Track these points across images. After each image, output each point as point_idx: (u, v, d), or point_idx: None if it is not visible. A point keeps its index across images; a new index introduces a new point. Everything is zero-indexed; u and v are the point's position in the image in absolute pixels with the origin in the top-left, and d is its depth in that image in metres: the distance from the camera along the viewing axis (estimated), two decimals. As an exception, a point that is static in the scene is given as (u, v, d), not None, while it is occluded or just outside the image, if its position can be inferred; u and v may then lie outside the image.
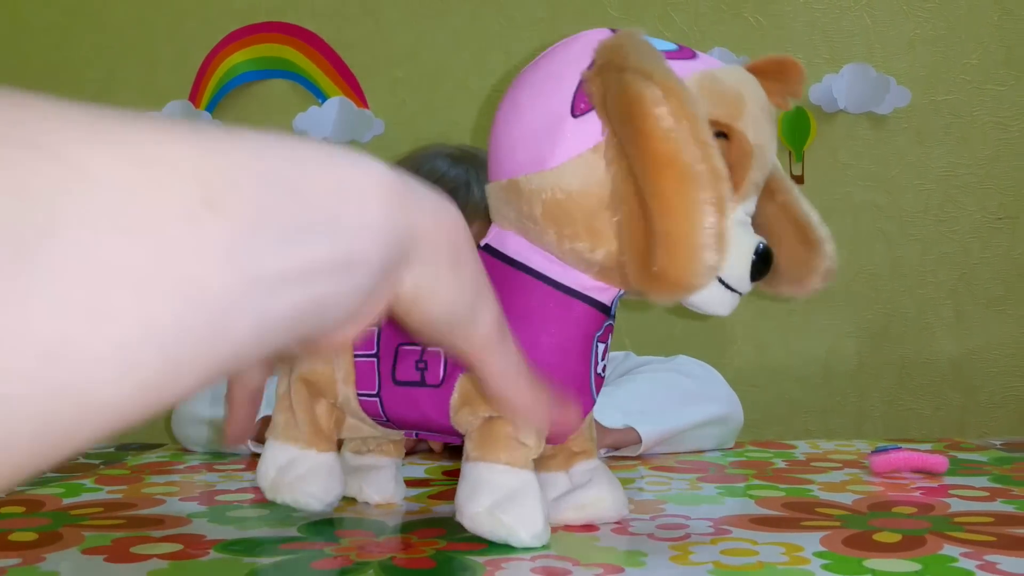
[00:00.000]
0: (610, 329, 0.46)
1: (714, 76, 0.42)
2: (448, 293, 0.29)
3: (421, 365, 0.45)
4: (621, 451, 0.70)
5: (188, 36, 1.79)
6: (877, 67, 1.62)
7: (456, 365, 0.44)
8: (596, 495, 0.47)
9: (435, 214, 0.28)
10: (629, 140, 0.38)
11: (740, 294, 0.44)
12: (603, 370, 0.47)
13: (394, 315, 0.29)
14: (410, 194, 0.27)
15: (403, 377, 0.45)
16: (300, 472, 0.48)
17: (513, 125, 0.44)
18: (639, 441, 0.69)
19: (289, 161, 0.23)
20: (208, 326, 0.20)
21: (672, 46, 0.44)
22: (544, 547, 0.43)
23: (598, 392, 0.47)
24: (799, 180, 1.66)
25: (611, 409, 0.68)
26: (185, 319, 0.20)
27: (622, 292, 0.45)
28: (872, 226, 1.64)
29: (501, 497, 0.43)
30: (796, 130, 1.64)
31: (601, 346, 0.46)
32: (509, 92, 0.46)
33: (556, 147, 0.41)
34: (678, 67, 0.40)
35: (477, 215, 0.48)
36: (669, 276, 0.38)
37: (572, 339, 0.44)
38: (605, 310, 0.45)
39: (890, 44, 1.64)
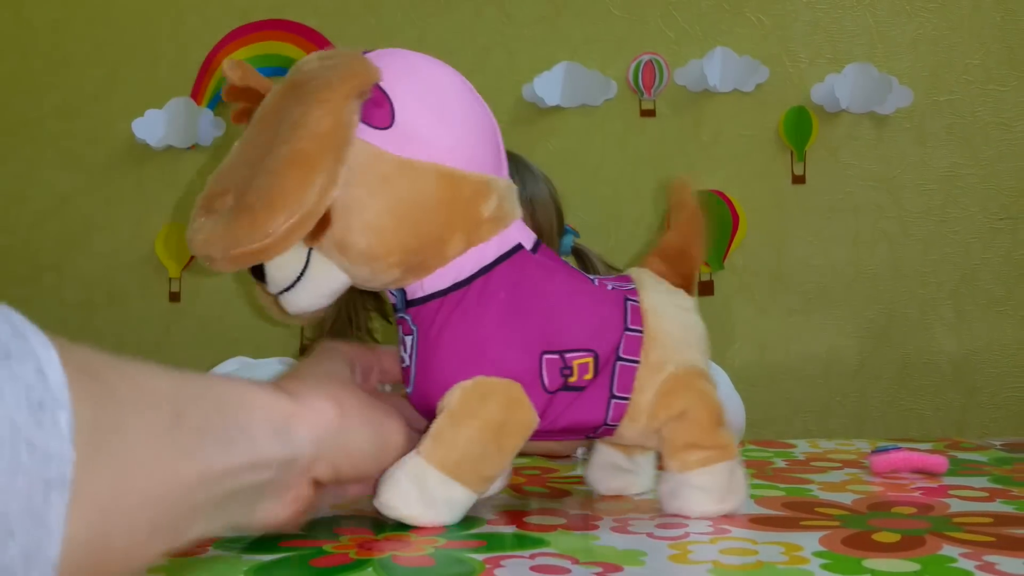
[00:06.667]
0: (401, 322, 0.49)
1: None
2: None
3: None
4: (586, 453, 0.71)
5: (190, 33, 1.79)
6: (879, 67, 1.62)
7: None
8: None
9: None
10: None
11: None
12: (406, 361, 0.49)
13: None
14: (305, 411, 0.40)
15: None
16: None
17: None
18: None
19: (225, 388, 0.36)
20: (177, 502, 0.30)
21: None
22: (547, 544, 0.43)
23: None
24: (801, 180, 1.66)
25: None
26: (164, 497, 0.30)
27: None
28: (873, 226, 1.63)
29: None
30: (798, 130, 1.64)
31: (408, 339, 0.48)
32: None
33: None
34: None
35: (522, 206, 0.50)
36: None
37: None
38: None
39: (892, 44, 1.64)
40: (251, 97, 0.46)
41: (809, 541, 0.43)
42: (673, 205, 0.53)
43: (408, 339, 0.48)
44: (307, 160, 0.41)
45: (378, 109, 0.44)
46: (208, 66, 1.78)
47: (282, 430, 0.37)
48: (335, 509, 0.51)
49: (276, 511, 0.39)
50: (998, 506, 0.51)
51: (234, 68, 0.45)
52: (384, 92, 0.44)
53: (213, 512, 0.33)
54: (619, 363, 0.48)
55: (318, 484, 0.41)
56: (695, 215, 0.53)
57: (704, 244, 0.52)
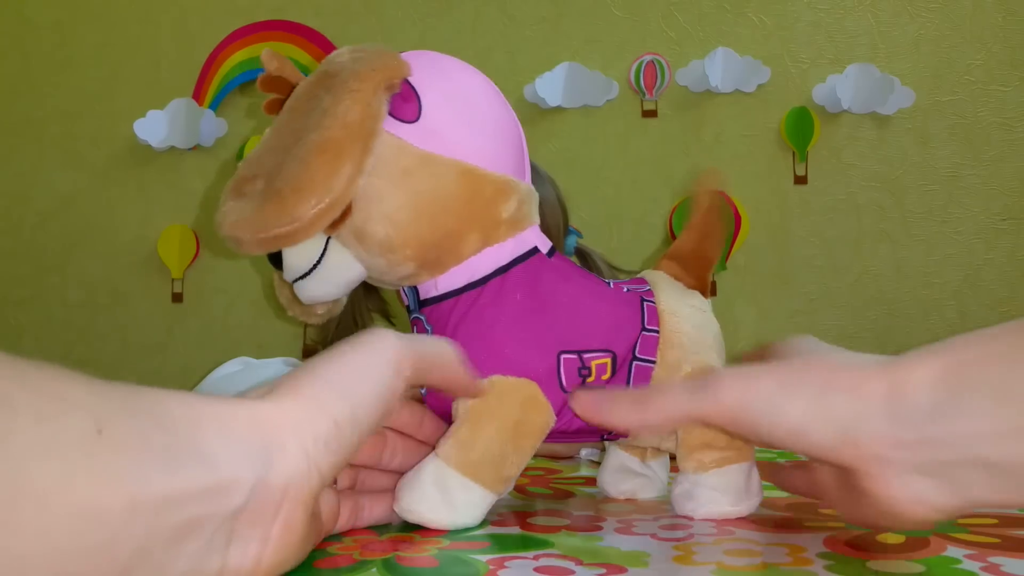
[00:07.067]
0: (415, 322, 0.49)
1: None
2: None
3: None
4: (591, 455, 0.71)
5: (191, 34, 1.79)
6: (881, 67, 1.62)
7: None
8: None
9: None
10: None
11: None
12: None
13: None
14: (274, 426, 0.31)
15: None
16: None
17: None
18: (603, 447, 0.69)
19: (169, 400, 0.28)
20: (97, 544, 0.23)
21: None
22: (551, 545, 0.43)
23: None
24: (803, 180, 1.66)
25: None
26: (77, 536, 0.23)
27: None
28: (876, 227, 1.63)
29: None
30: (800, 130, 1.64)
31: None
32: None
33: None
34: None
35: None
36: None
37: None
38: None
39: (894, 44, 1.64)
40: (284, 88, 0.47)
41: (813, 543, 0.43)
42: (697, 199, 0.53)
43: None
44: (336, 147, 0.42)
45: (406, 103, 0.44)
46: (210, 67, 1.79)
47: (243, 444, 0.29)
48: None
49: (259, 552, 0.30)
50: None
51: (272, 59, 0.46)
52: (413, 88, 0.45)
53: (160, 554, 0.26)
54: (636, 363, 0.48)
55: (310, 506, 0.33)
56: (713, 215, 0.52)
57: (719, 246, 0.52)
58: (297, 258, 0.46)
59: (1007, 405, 0.33)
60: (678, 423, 0.44)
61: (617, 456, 0.55)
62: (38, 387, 0.23)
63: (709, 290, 0.53)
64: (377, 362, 0.36)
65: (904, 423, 0.35)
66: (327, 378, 0.34)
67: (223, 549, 0.29)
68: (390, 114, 0.44)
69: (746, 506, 0.49)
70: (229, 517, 0.28)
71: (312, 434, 0.32)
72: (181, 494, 0.26)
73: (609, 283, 0.50)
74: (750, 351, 0.49)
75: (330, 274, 0.46)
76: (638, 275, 0.52)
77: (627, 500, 0.54)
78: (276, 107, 0.47)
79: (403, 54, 0.46)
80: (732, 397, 0.39)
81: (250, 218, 0.42)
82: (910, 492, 0.36)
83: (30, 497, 0.22)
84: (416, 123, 0.44)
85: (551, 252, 0.49)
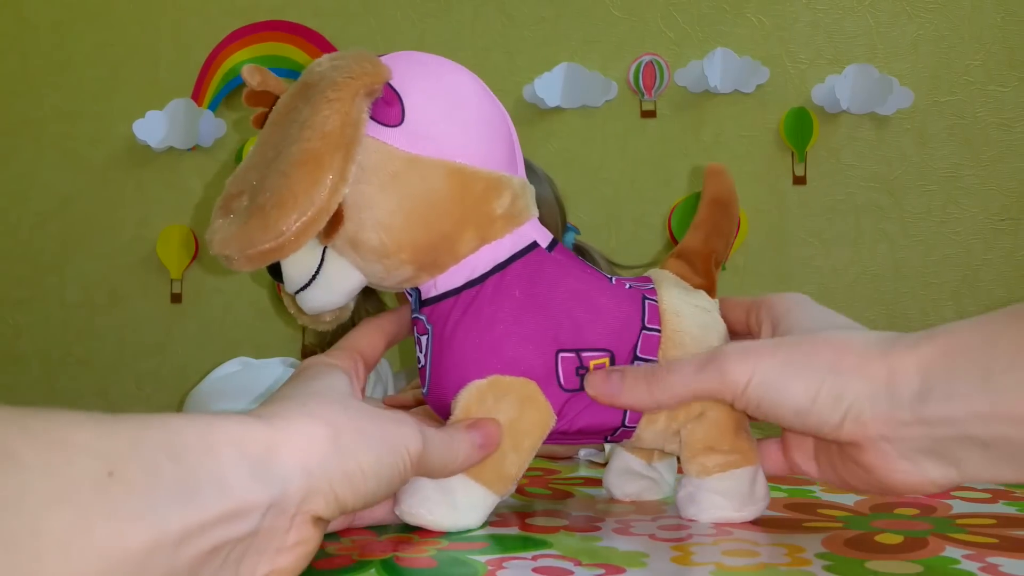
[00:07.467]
0: (416, 322, 0.49)
1: None
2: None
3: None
4: (590, 455, 0.71)
5: (190, 34, 1.79)
6: (880, 68, 1.62)
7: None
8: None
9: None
10: None
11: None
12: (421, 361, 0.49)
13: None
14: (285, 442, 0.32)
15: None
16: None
17: None
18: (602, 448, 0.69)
19: (184, 428, 0.28)
20: None
21: None
22: (549, 545, 0.43)
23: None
24: (801, 181, 1.66)
25: None
26: None
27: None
28: (875, 227, 1.63)
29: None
30: (799, 131, 1.64)
31: (423, 338, 0.48)
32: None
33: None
34: None
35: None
36: None
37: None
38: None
39: (893, 45, 1.64)
40: (269, 101, 0.46)
41: (812, 543, 0.43)
42: (705, 195, 0.52)
43: (423, 339, 0.48)
44: (316, 158, 0.41)
45: (389, 107, 0.44)
46: (209, 67, 1.79)
47: (261, 466, 0.30)
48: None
49: (274, 563, 0.32)
50: (1001, 507, 0.51)
51: (253, 74, 0.46)
52: (395, 90, 0.45)
53: None
54: (636, 363, 0.48)
55: (321, 521, 0.34)
56: (721, 211, 0.52)
57: (727, 244, 0.52)
58: (295, 270, 0.46)
59: (988, 389, 0.35)
60: (687, 400, 0.45)
61: (623, 458, 0.54)
62: (42, 437, 0.24)
63: (716, 290, 0.52)
64: (395, 447, 0.38)
65: (901, 405, 0.37)
66: (357, 426, 0.36)
67: (236, 565, 0.30)
68: (374, 119, 0.44)
69: (750, 511, 0.48)
70: (245, 538, 0.29)
71: (324, 463, 0.33)
72: (199, 525, 0.27)
73: (611, 279, 0.50)
74: (739, 303, 0.50)
75: (330, 284, 0.46)
76: (644, 274, 0.52)
77: (630, 501, 0.54)
78: (263, 120, 0.47)
79: (383, 57, 0.46)
80: (739, 375, 0.41)
81: (236, 235, 0.42)
82: (911, 467, 0.39)
83: (51, 548, 0.22)
84: (400, 126, 0.44)
85: (552, 245, 0.49)
